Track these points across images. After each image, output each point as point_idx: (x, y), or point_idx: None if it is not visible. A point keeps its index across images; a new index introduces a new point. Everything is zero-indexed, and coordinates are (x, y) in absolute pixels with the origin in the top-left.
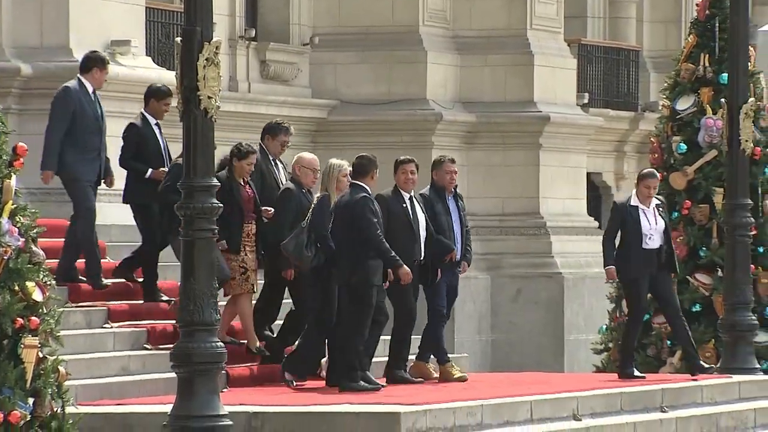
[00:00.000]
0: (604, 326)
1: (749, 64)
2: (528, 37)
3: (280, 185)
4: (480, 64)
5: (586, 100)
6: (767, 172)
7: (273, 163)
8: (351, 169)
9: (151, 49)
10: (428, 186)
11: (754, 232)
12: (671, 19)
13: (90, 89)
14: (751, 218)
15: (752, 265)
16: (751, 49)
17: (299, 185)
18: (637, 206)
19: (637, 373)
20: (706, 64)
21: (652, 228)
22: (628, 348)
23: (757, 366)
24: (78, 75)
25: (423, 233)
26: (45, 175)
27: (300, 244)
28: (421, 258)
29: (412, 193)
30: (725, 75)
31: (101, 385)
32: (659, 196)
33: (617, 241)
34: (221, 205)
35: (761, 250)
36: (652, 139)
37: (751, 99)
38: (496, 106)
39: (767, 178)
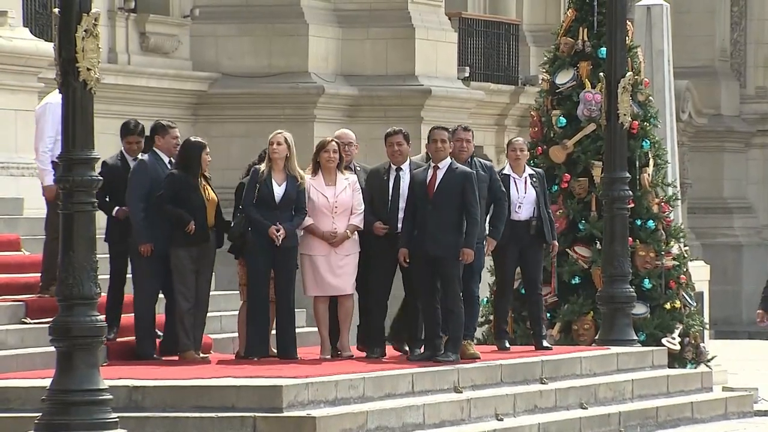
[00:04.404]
0: (485, 299)
1: (627, 38)
2: (409, 10)
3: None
4: (361, 37)
5: (467, 74)
6: (645, 145)
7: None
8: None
9: (28, 20)
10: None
11: (631, 205)
12: None
13: None
14: (629, 191)
15: (630, 238)
16: (629, 23)
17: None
18: (508, 175)
19: (507, 344)
20: (585, 38)
21: (521, 197)
22: (496, 320)
23: (635, 338)
24: None
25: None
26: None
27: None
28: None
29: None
30: (604, 49)
31: None
32: (537, 168)
33: None
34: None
35: (639, 223)
36: (532, 112)
37: (629, 73)
38: (377, 79)
39: (644, 151)
